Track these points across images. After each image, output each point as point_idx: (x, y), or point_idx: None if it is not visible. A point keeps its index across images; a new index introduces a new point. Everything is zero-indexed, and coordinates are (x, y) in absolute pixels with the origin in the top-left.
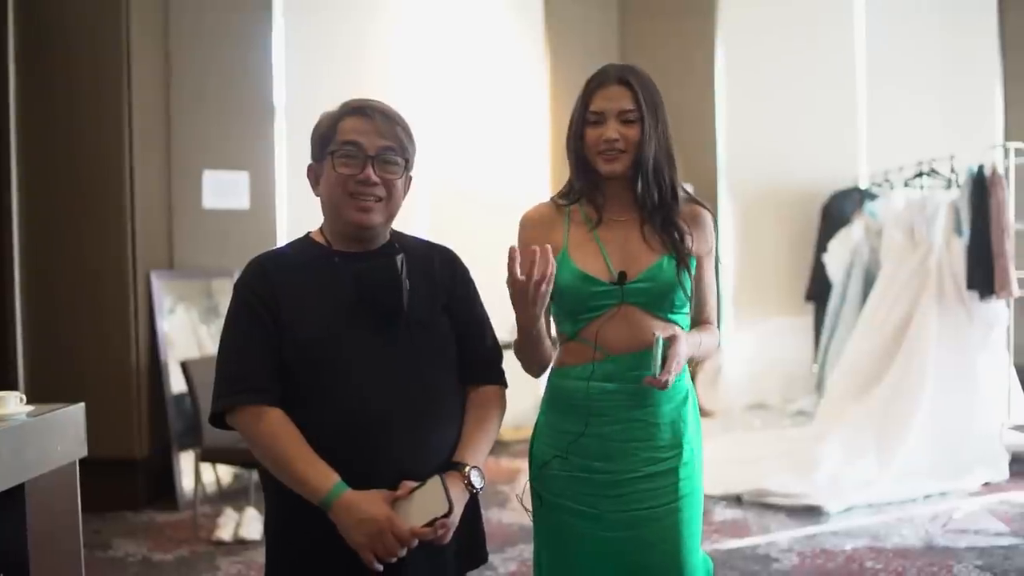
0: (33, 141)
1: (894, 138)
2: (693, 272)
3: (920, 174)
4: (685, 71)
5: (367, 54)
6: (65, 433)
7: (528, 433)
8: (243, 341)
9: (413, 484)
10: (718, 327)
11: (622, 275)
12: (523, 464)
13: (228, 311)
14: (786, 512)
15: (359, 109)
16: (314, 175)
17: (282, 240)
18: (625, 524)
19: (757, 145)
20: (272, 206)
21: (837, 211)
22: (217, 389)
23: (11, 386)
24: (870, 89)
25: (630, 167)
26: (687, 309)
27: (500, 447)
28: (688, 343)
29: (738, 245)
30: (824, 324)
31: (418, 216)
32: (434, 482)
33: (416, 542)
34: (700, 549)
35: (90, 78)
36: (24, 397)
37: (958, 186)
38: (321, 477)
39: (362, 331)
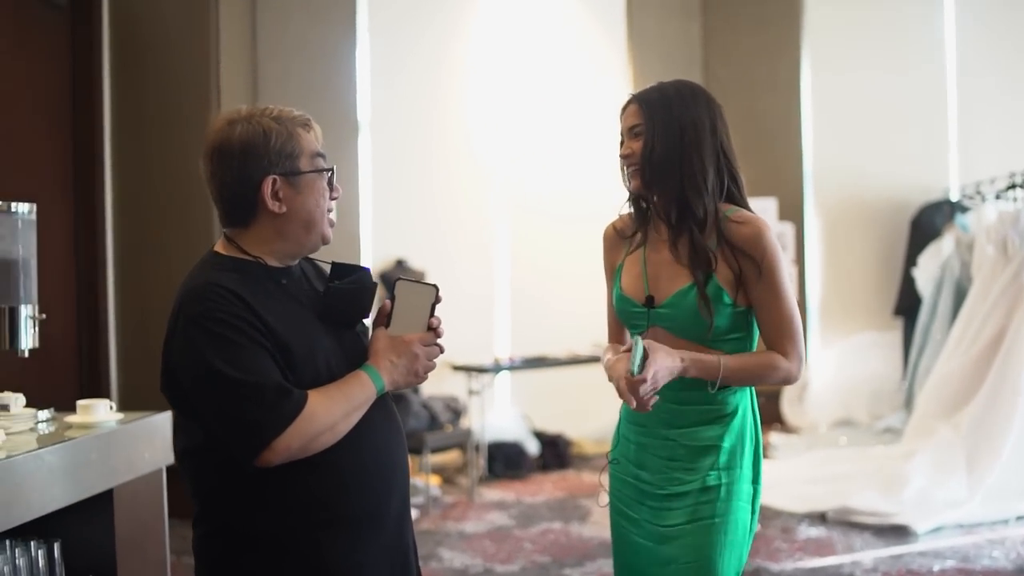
0: (125, 153)
1: (986, 149)
2: (726, 301)
3: (1013, 186)
4: (770, 82)
5: (449, 70)
6: (152, 441)
7: (607, 447)
8: (258, 369)
9: (386, 308)
10: (795, 358)
11: (650, 299)
12: (604, 478)
13: (209, 349)
14: (872, 531)
15: (309, 122)
16: (274, 189)
17: (367, 255)
18: (654, 536)
19: (844, 156)
20: (356, 221)
21: (927, 224)
22: (258, 417)
23: (103, 394)
24: (961, 98)
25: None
26: (735, 338)
27: (581, 461)
28: (695, 364)
29: (825, 258)
30: (913, 339)
31: (499, 229)
32: (401, 287)
33: (440, 334)
34: None
35: (181, 92)
36: (114, 405)
37: None
38: (363, 386)
39: (331, 342)
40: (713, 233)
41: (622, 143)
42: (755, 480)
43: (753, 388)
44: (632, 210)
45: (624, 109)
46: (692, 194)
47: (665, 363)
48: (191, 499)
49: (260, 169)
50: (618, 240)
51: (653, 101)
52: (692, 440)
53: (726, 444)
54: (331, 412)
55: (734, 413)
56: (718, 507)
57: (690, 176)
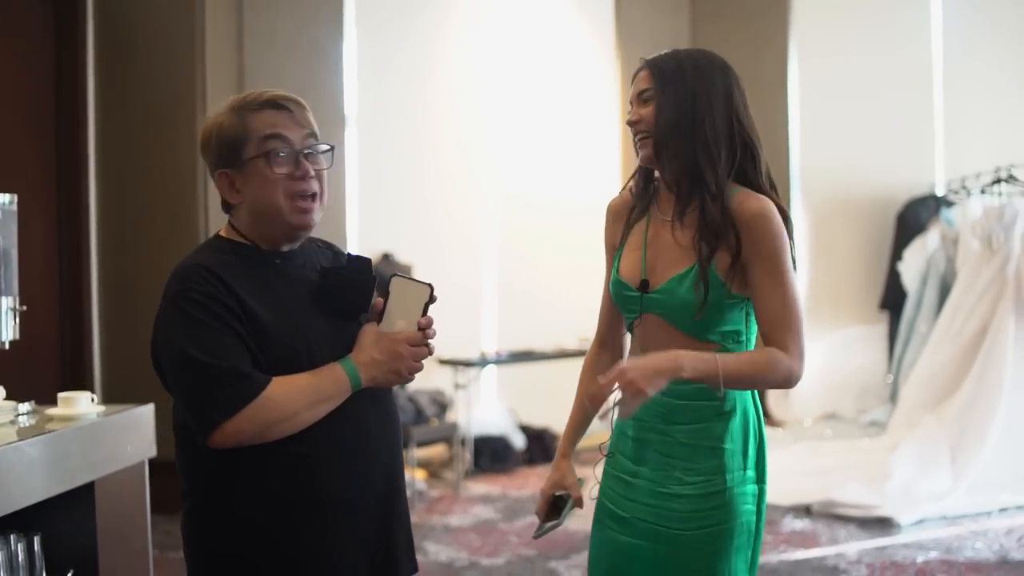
0: (110, 147)
1: (971, 144)
2: (720, 281)
3: (998, 180)
4: (757, 75)
5: (437, 65)
6: (135, 433)
7: (595, 441)
8: (221, 351)
9: (378, 304)
10: (796, 354)
11: (644, 283)
12: (590, 471)
13: (179, 328)
14: (857, 523)
15: (273, 102)
16: (228, 181)
17: (352, 249)
18: (651, 535)
19: (831, 151)
20: (343, 215)
21: (913, 218)
22: (212, 399)
23: (87, 387)
24: (947, 94)
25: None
26: (729, 331)
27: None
28: (693, 364)
29: (811, 252)
30: (899, 333)
31: (487, 223)
32: (396, 283)
33: (431, 335)
34: None
35: (166, 88)
36: (95, 397)
37: None
38: (335, 380)
39: (324, 330)
40: (719, 211)
41: (631, 110)
42: (760, 480)
43: None
44: (636, 185)
45: (636, 75)
46: (705, 163)
47: (640, 362)
48: (179, 473)
49: (213, 165)
50: (619, 216)
51: (665, 66)
52: (691, 438)
53: (728, 446)
54: (292, 401)
55: (734, 411)
56: (723, 513)
57: (703, 144)
